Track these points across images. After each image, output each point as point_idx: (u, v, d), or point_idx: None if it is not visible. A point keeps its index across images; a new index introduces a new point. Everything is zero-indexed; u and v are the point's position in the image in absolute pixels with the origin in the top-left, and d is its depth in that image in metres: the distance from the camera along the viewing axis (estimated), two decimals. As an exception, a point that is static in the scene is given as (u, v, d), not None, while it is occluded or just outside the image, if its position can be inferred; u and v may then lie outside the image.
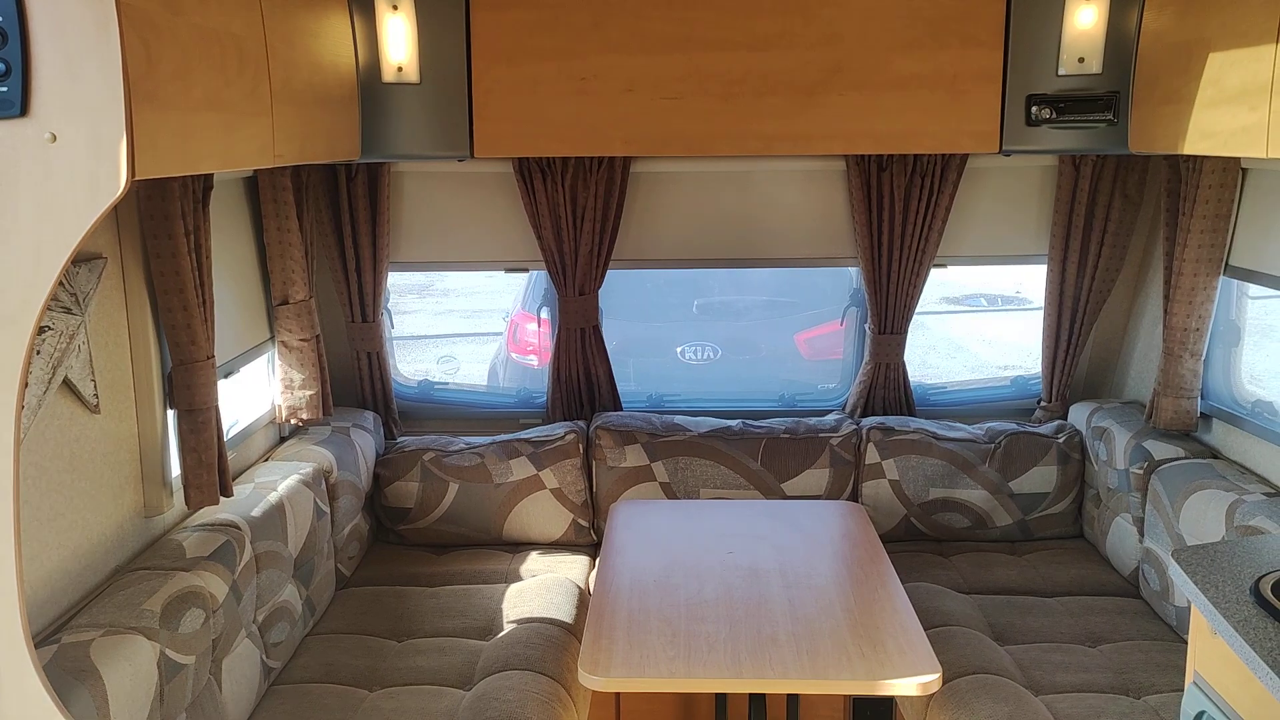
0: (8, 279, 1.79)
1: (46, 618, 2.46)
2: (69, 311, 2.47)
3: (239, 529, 2.96)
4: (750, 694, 2.98)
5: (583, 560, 3.87)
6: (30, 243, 1.78)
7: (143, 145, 1.80)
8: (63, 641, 2.29)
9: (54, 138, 1.74)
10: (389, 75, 3.38)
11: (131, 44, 1.76)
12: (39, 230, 1.77)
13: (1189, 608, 3.07)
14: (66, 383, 2.50)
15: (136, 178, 1.79)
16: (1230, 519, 3.06)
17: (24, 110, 1.73)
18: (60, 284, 2.42)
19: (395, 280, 4.49)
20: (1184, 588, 2.22)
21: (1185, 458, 3.50)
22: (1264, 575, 2.15)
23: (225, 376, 3.39)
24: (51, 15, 1.71)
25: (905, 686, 2.52)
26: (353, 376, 4.25)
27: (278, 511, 3.19)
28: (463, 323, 10.33)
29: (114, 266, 2.75)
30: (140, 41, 1.81)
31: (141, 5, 1.82)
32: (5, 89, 1.72)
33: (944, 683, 2.94)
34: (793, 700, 3.14)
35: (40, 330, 2.34)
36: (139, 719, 2.33)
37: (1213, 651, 2.16)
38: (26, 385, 2.25)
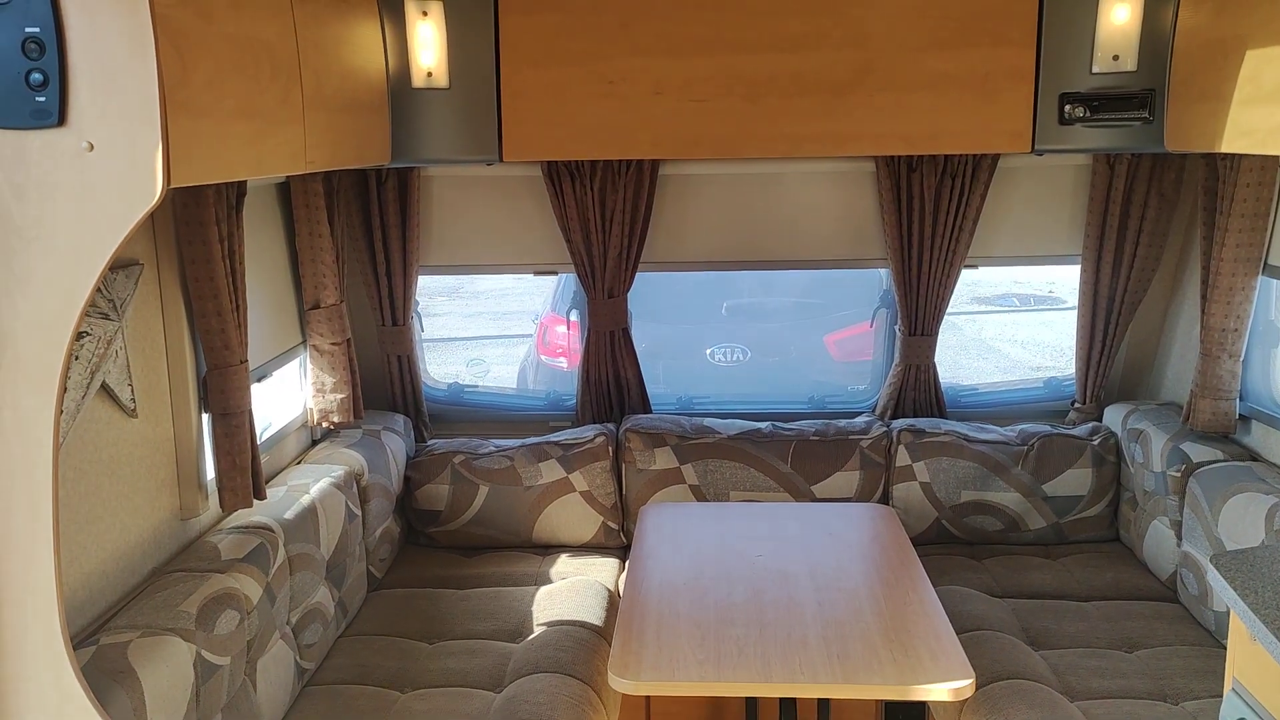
0: (47, 285, 1.82)
1: (85, 619, 2.49)
2: (106, 317, 2.51)
3: (272, 531, 2.99)
4: (780, 698, 2.97)
5: (613, 563, 3.87)
6: (68, 250, 1.81)
7: (177, 154, 1.82)
8: (101, 642, 2.33)
9: (91, 147, 1.77)
10: (419, 81, 3.41)
11: (166, 54, 1.79)
12: (77, 238, 1.80)
13: (1228, 613, 3.03)
14: (104, 387, 2.54)
15: (171, 186, 1.82)
16: (1270, 522, 3.01)
17: (61, 120, 1.76)
18: (98, 290, 2.46)
19: (426, 282, 4.51)
20: (1223, 594, 2.18)
21: (1224, 460, 3.45)
22: (1305, 581, 2.11)
23: (258, 380, 3.42)
24: (88, 26, 1.74)
25: (938, 692, 2.50)
26: (383, 380, 4.28)
27: (310, 514, 3.22)
28: (493, 324, 10.38)
29: (150, 273, 2.79)
30: (175, 51, 1.83)
31: (176, 15, 1.84)
32: (43, 99, 1.75)
33: (977, 688, 2.92)
34: (823, 705, 3.12)
35: (79, 336, 2.37)
36: (175, 719, 2.36)
37: (1252, 658, 2.13)
38: (65, 390, 2.29)
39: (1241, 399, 3.60)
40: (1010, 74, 3.37)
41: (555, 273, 4.39)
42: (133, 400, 2.66)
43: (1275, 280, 3.54)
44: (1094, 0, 3.29)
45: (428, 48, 3.39)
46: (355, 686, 3.06)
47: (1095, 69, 3.33)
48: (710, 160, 4.06)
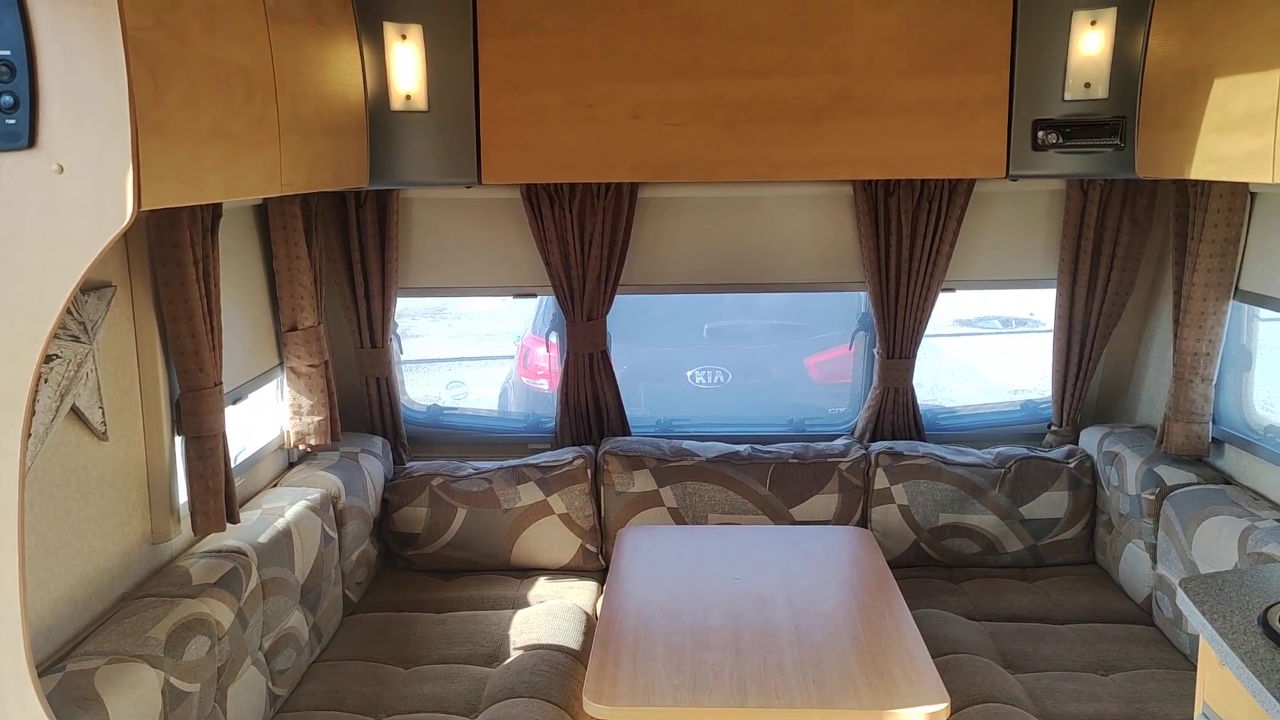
0: (14, 308, 1.81)
1: (52, 645, 2.46)
2: (77, 340, 2.49)
3: (246, 555, 2.96)
4: (757, 723, 2.95)
5: (591, 586, 3.86)
6: (37, 272, 1.80)
7: (149, 176, 1.82)
8: (67, 670, 2.30)
9: (61, 169, 1.76)
10: (397, 103, 3.41)
11: (138, 76, 1.78)
12: (45, 260, 1.79)
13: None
14: (74, 410, 2.52)
15: (143, 208, 1.81)
16: (1243, 546, 3.03)
17: (31, 142, 1.75)
18: (69, 312, 2.44)
19: (408, 304, 4.50)
20: (1192, 618, 2.19)
21: (1197, 483, 3.47)
22: (1273, 605, 2.12)
23: (234, 403, 3.40)
24: (59, 48, 1.73)
25: (913, 715, 2.50)
26: (361, 402, 4.26)
27: (285, 538, 3.19)
28: (476, 346, 10.35)
29: (123, 294, 2.78)
30: (147, 73, 1.83)
31: (149, 38, 1.84)
32: (13, 121, 1.74)
33: (953, 712, 2.91)
34: (800, 729, 3.11)
35: (48, 359, 2.36)
36: (142, 747, 2.32)
37: (1221, 682, 2.14)
38: (34, 413, 2.27)
39: (1214, 422, 3.63)
40: (985, 100, 3.41)
41: (534, 295, 4.40)
42: (103, 423, 2.63)
43: (1246, 305, 3.58)
44: (1066, 29, 3.33)
45: (407, 70, 3.40)
46: (329, 713, 3.03)
47: (1067, 96, 3.37)
48: (689, 184, 4.08)
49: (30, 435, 2.21)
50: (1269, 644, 1.98)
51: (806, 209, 4.18)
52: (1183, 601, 2.23)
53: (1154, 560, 3.53)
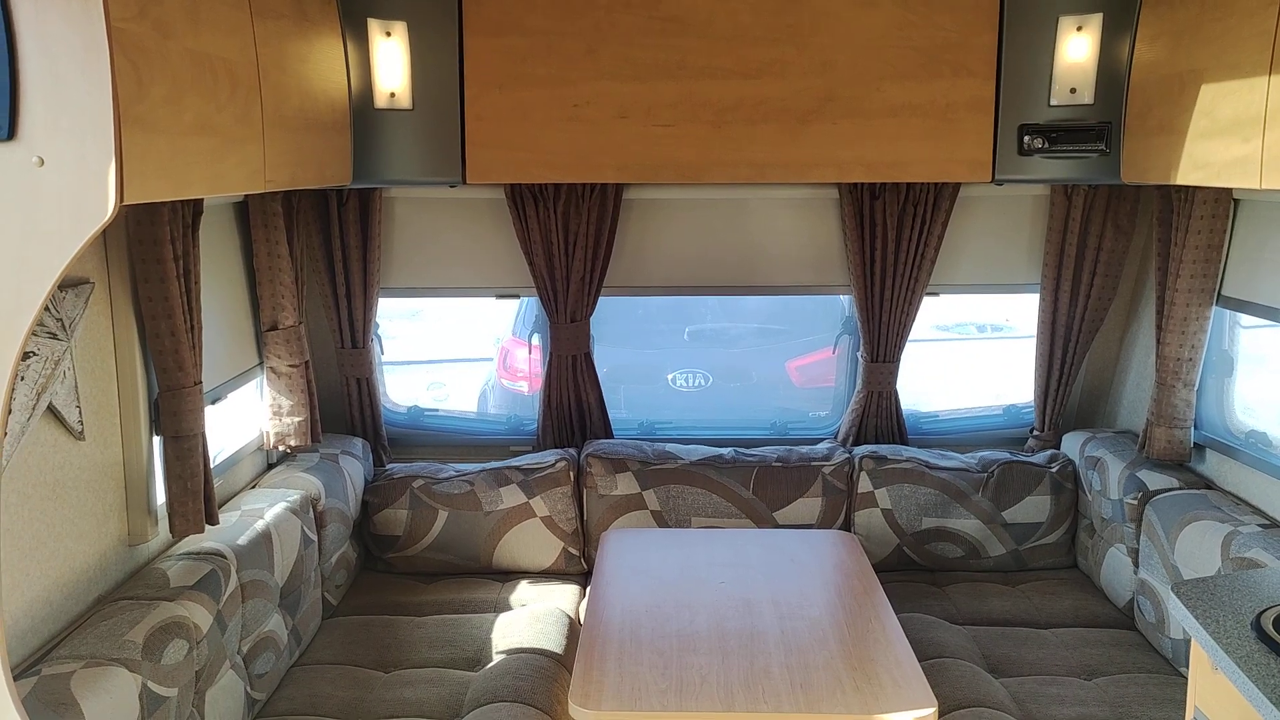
0: (-9, 304, 1.76)
1: (27, 649, 2.41)
2: (55, 337, 2.44)
3: (224, 558, 2.91)
4: (743, 727, 2.93)
5: (573, 589, 3.83)
6: (15, 267, 1.75)
7: (131, 170, 1.78)
8: (43, 673, 2.25)
9: (41, 161, 1.72)
10: (381, 101, 3.38)
11: (121, 68, 1.74)
12: (24, 255, 1.75)
13: (1185, 640, 3.05)
14: (51, 409, 2.46)
15: (125, 203, 1.77)
16: (1226, 550, 3.04)
17: (11, 134, 1.71)
18: (46, 309, 2.40)
19: (389, 304, 4.46)
20: (1184, 622, 2.19)
21: (1179, 488, 3.48)
22: (1265, 610, 2.12)
23: (212, 402, 3.35)
24: (40, 38, 1.69)
25: (900, 720, 2.49)
26: (342, 403, 4.22)
27: (264, 540, 3.14)
28: (457, 347, 10.29)
29: (101, 291, 2.72)
30: (130, 65, 1.79)
31: (132, 29, 1.81)
32: (-8, 112, 1.70)
33: (939, 716, 2.90)
34: (786, 733, 3.09)
35: (25, 356, 2.30)
36: (119, 753, 2.28)
37: (1214, 687, 2.14)
38: (10, 412, 2.22)
39: (1196, 428, 3.65)
40: (971, 105, 3.41)
41: (517, 296, 4.36)
42: (80, 422, 2.58)
43: (1229, 311, 3.60)
44: (1052, 34, 3.34)
45: (391, 68, 3.36)
46: (307, 718, 2.98)
47: (1053, 101, 3.39)
48: (674, 185, 4.07)
49: (5, 434, 2.16)
50: (1263, 648, 1.99)
51: (792, 212, 4.18)
52: (1175, 606, 2.23)
53: (1136, 565, 3.54)
